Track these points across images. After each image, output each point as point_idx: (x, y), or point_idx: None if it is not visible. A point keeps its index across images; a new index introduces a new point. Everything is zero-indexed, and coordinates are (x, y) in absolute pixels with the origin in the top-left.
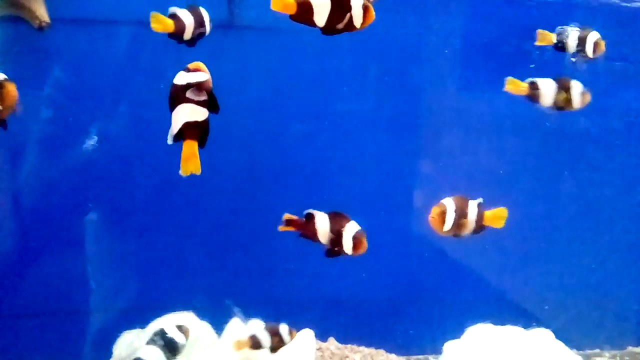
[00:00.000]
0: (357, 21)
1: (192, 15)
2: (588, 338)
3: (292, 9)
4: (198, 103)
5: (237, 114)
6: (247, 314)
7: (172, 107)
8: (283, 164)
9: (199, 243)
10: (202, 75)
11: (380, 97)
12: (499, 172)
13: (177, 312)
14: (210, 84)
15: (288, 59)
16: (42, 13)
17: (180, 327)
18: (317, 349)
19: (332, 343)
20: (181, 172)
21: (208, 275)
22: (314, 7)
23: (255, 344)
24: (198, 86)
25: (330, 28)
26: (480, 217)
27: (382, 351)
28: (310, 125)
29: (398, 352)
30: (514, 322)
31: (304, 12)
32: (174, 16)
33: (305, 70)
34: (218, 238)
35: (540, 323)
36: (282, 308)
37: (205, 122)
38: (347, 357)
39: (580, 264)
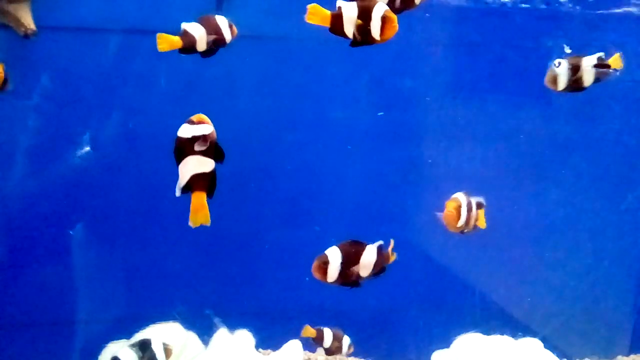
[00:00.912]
0: (376, 33)
1: (204, 26)
2: (578, 347)
3: (328, 22)
4: (204, 154)
5: (224, 122)
6: (235, 325)
7: (179, 160)
8: (271, 172)
9: (186, 253)
10: (207, 127)
11: (371, 106)
12: (487, 180)
13: (163, 323)
14: (215, 135)
15: (276, 66)
16: (28, 21)
17: (165, 346)
18: (306, 359)
19: (320, 353)
20: (190, 224)
21: (195, 285)
22: (344, 18)
23: (319, 336)
24: (203, 138)
25: (356, 40)
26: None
27: None
28: (299, 132)
29: None
30: (503, 332)
31: (338, 24)
32: (183, 32)
33: (293, 78)
34: (205, 248)
35: (529, 332)
36: (269, 318)
37: (212, 173)
38: None
39: (570, 272)
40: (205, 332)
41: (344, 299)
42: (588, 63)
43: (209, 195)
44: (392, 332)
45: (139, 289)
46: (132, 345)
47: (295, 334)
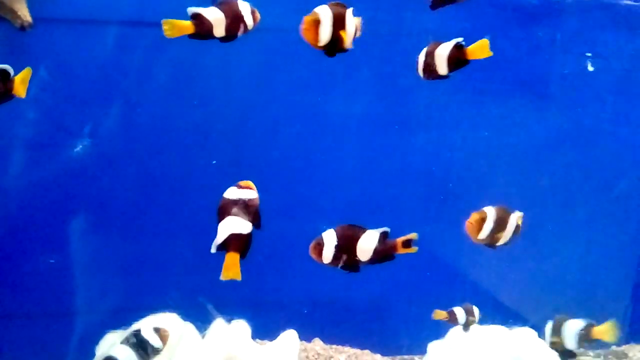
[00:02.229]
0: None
1: (223, 10)
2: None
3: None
4: (245, 218)
5: (221, 115)
6: (231, 315)
7: (220, 218)
8: (268, 163)
9: (184, 243)
10: (252, 193)
11: (368, 99)
12: (480, 171)
13: (161, 313)
14: (257, 202)
15: (274, 58)
16: (24, 13)
17: (157, 330)
18: (302, 350)
19: (317, 344)
20: (221, 278)
21: (192, 275)
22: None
23: (452, 317)
24: (247, 203)
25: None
26: (516, 229)
27: (367, 351)
28: (296, 124)
29: (383, 353)
30: (499, 322)
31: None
32: (195, 16)
33: (291, 70)
34: (203, 238)
35: (524, 322)
36: (267, 308)
37: (249, 236)
38: (332, 357)
39: (565, 262)
40: (202, 322)
41: (340, 290)
42: (442, 51)
43: (242, 257)
44: (388, 323)
45: (136, 279)
46: (126, 341)
47: (292, 324)
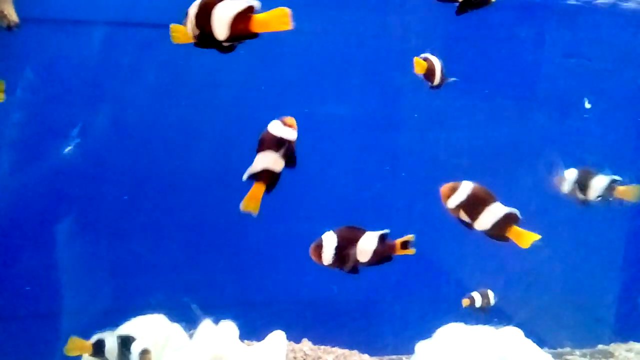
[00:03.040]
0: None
1: None
2: (560, 336)
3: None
4: (281, 155)
5: (209, 115)
6: (219, 316)
7: (259, 149)
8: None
9: (171, 244)
10: (293, 133)
11: (355, 99)
12: (467, 169)
13: (148, 314)
14: (295, 142)
15: (263, 59)
16: (11, 13)
17: (144, 352)
18: (290, 350)
19: (305, 344)
20: (241, 207)
21: (180, 276)
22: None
23: (472, 302)
24: (286, 141)
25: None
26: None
27: (355, 352)
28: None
29: (371, 353)
30: (487, 322)
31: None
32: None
33: (281, 71)
34: (191, 239)
35: (512, 322)
36: (255, 309)
37: (279, 174)
38: (320, 358)
39: (552, 263)
40: (190, 324)
41: (328, 290)
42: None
43: (268, 191)
44: (376, 324)
45: (124, 280)
46: (119, 337)
47: (280, 325)
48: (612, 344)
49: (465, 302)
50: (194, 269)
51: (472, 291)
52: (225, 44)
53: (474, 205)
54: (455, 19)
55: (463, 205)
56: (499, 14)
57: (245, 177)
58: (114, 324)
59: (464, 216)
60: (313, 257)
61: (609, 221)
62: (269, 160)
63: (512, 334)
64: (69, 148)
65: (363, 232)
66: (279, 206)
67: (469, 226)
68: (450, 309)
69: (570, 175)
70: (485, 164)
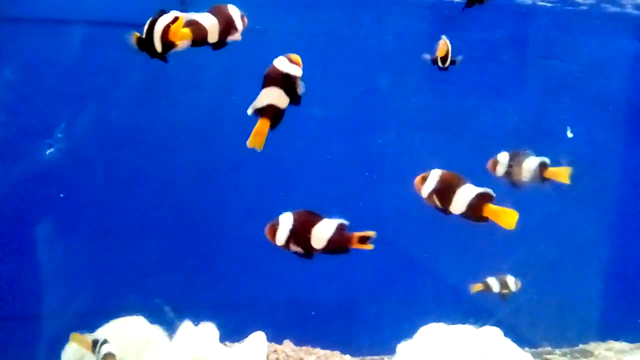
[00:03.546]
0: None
1: (216, 15)
2: (541, 336)
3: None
4: (286, 91)
5: (191, 116)
6: (199, 317)
7: (264, 85)
8: (239, 166)
9: (151, 247)
10: (298, 70)
11: (336, 100)
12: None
13: (128, 316)
14: (300, 79)
15: (242, 59)
16: None
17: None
18: (273, 352)
19: (287, 345)
20: (247, 144)
21: (160, 278)
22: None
23: (486, 287)
24: (292, 77)
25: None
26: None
27: (337, 352)
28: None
29: (353, 354)
30: (468, 322)
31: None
32: (191, 23)
33: (256, 70)
34: (171, 241)
35: (494, 322)
36: (237, 311)
37: (283, 110)
38: (302, 359)
39: (533, 264)
40: (170, 325)
41: (309, 291)
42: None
43: (272, 127)
44: (358, 324)
45: (104, 283)
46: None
47: (262, 326)
48: (591, 343)
49: (476, 287)
50: (174, 270)
51: (453, 288)
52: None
53: (445, 189)
54: (434, 22)
55: (436, 192)
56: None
57: (249, 111)
58: (94, 326)
59: (439, 203)
60: (267, 236)
61: (588, 220)
62: (273, 96)
63: (492, 333)
64: (50, 150)
65: (321, 218)
66: (260, 207)
67: (446, 212)
68: (431, 309)
69: (503, 158)
70: (467, 165)
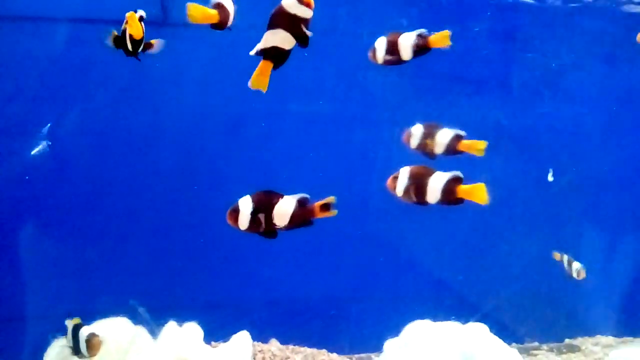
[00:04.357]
0: None
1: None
2: (527, 331)
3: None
4: (292, 34)
5: (174, 114)
6: (183, 317)
7: (271, 26)
8: (227, 164)
9: (135, 247)
10: (308, 12)
11: (321, 98)
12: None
13: (111, 318)
14: (309, 21)
15: (223, 56)
16: None
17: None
18: (259, 351)
19: (273, 344)
20: (249, 84)
21: (144, 279)
22: None
23: (561, 260)
24: (300, 19)
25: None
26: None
27: (324, 351)
28: (252, 124)
29: (340, 352)
30: (456, 318)
31: None
32: (217, 5)
33: (240, 68)
34: (155, 242)
35: (481, 318)
36: (222, 310)
37: (289, 52)
38: (288, 358)
39: (519, 260)
40: (154, 325)
41: (295, 290)
42: (406, 40)
43: (275, 68)
44: (344, 322)
45: (87, 284)
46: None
47: (247, 325)
48: (578, 338)
49: (556, 255)
50: (158, 270)
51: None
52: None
53: (418, 183)
54: (421, 18)
55: (410, 187)
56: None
57: (253, 52)
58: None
59: (415, 197)
60: (229, 222)
61: (573, 215)
62: (278, 39)
63: (478, 329)
64: (37, 149)
65: (281, 196)
66: None
67: (423, 204)
68: (416, 306)
69: (417, 130)
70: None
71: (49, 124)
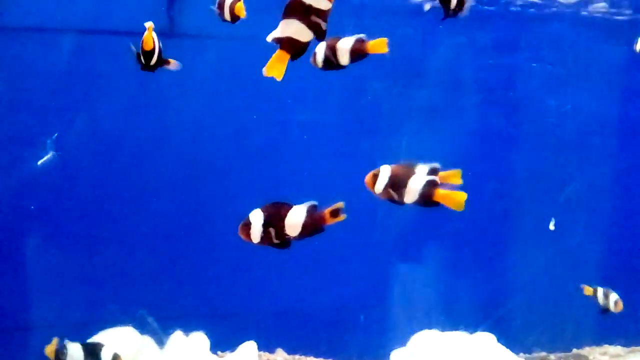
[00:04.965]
0: None
1: None
2: (535, 341)
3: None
4: (309, 26)
5: (181, 123)
6: (190, 327)
7: (285, 15)
8: (232, 172)
9: (142, 257)
10: (325, 3)
11: (326, 105)
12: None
13: (118, 327)
14: (329, 13)
15: (229, 66)
16: None
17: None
18: None
19: (280, 354)
20: (264, 71)
21: (152, 289)
22: None
23: (595, 295)
24: (318, 11)
25: None
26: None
27: None
28: (254, 133)
29: None
30: (463, 328)
31: None
32: None
33: (247, 77)
34: (162, 251)
35: (490, 328)
36: (229, 320)
37: (306, 45)
38: None
39: (528, 270)
40: (162, 335)
41: (302, 300)
42: (344, 44)
43: (293, 58)
44: (351, 331)
45: (94, 294)
46: (84, 345)
47: (254, 335)
48: (586, 348)
49: (588, 289)
50: (165, 280)
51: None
52: None
53: (398, 183)
54: (423, 26)
55: (390, 186)
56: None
57: (269, 38)
58: (84, 337)
59: (393, 195)
60: (242, 236)
61: (581, 224)
62: (292, 30)
63: (486, 339)
64: (44, 159)
65: (290, 206)
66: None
67: (400, 203)
68: (424, 316)
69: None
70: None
71: (56, 134)
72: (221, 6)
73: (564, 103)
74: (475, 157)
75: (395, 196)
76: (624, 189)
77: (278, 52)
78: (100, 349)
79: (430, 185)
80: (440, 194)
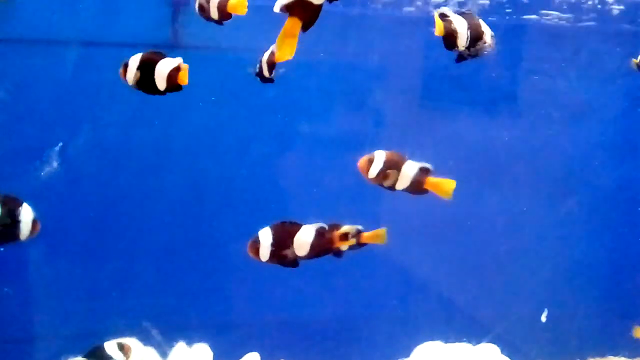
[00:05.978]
0: None
1: None
2: (538, 352)
3: None
4: None
5: (185, 135)
6: (193, 338)
7: None
8: (229, 184)
9: (145, 267)
10: None
11: (330, 116)
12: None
13: (120, 338)
14: None
15: (232, 78)
16: None
17: (121, 347)
18: None
19: None
20: (275, 53)
21: (154, 299)
22: None
23: None
24: None
25: None
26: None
27: None
28: (258, 143)
29: None
30: (468, 340)
31: None
32: None
33: (249, 88)
34: (165, 262)
35: (493, 339)
36: (232, 331)
37: (318, 9)
38: None
39: (537, 277)
40: (165, 347)
41: (304, 311)
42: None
43: (304, 29)
44: (354, 342)
45: (96, 304)
46: (87, 355)
47: (257, 346)
48: (589, 359)
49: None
50: (167, 291)
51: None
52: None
53: (392, 168)
54: (426, 39)
55: (383, 172)
56: None
57: (277, 7)
58: (86, 348)
59: (386, 182)
60: (250, 254)
61: (585, 234)
62: None
63: (489, 350)
64: (47, 170)
65: (299, 226)
66: (253, 226)
67: (391, 189)
68: (427, 327)
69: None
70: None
71: (60, 143)
72: (203, 7)
73: None
74: (475, 169)
75: (389, 181)
76: (632, 199)
77: (288, 21)
78: (102, 350)
79: (423, 172)
80: (431, 181)
